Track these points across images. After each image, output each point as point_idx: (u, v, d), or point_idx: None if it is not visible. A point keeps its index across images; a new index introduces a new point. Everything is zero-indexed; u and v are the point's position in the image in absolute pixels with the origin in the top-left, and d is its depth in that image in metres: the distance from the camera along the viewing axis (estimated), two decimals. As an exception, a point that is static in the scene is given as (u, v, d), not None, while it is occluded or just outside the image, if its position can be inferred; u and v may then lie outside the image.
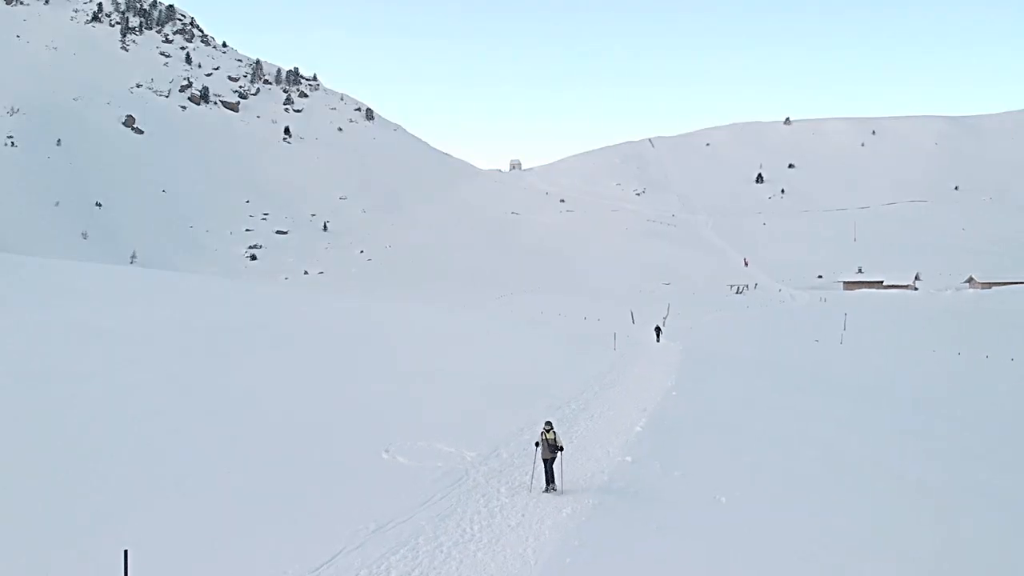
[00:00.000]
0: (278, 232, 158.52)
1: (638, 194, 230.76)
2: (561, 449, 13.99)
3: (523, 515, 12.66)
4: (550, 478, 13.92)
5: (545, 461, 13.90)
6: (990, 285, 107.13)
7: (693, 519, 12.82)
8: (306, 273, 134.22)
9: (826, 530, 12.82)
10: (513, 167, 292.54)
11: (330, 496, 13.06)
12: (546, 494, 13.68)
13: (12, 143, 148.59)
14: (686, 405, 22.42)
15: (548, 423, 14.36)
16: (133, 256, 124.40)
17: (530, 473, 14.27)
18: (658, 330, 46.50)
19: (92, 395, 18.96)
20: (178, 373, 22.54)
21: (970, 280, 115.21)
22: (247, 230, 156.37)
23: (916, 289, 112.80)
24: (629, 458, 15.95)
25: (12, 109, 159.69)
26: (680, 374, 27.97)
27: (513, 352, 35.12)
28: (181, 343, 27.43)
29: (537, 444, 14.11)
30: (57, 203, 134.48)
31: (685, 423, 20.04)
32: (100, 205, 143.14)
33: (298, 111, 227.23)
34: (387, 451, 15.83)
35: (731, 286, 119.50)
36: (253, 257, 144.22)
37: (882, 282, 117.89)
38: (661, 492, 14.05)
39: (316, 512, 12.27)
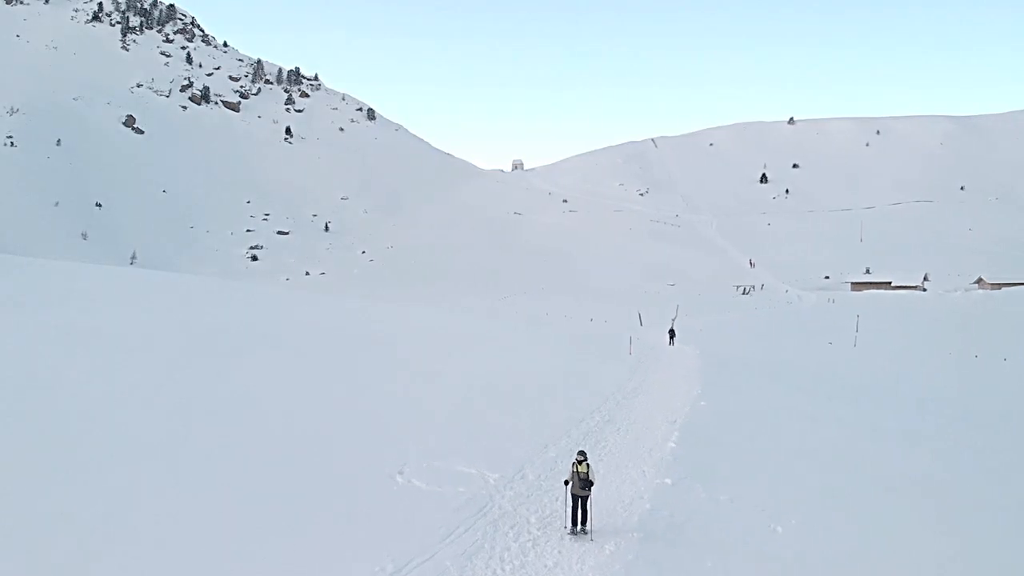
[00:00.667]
0: (279, 232, 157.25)
1: (641, 194, 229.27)
2: (592, 484, 11.90)
3: (560, 552, 11.21)
4: (581, 518, 11.99)
5: (574, 497, 12.03)
6: (999, 286, 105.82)
7: (753, 557, 11.39)
8: (307, 274, 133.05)
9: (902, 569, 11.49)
10: (515, 167, 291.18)
11: (341, 528, 11.69)
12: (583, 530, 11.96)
13: (12, 143, 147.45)
14: (716, 416, 21.06)
15: (581, 453, 12.32)
16: (133, 257, 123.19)
17: (562, 512, 12.45)
18: (672, 333, 45.25)
19: (91, 397, 18.20)
20: (178, 376, 21.54)
21: (979, 281, 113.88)
22: (248, 231, 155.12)
23: (925, 290, 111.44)
24: (669, 480, 14.55)
25: (12, 109, 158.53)
26: (704, 381, 26.60)
27: (523, 356, 33.74)
28: (181, 345, 26.36)
29: (567, 482, 12.23)
30: (57, 203, 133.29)
31: (719, 436, 18.70)
32: (100, 205, 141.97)
33: (299, 111, 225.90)
34: (401, 473, 14.42)
35: (737, 287, 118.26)
36: (254, 258, 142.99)
37: (890, 283, 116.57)
38: (711, 522, 12.64)
39: (326, 546, 10.93)
